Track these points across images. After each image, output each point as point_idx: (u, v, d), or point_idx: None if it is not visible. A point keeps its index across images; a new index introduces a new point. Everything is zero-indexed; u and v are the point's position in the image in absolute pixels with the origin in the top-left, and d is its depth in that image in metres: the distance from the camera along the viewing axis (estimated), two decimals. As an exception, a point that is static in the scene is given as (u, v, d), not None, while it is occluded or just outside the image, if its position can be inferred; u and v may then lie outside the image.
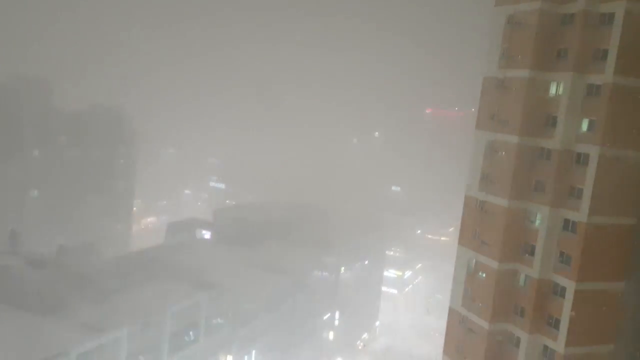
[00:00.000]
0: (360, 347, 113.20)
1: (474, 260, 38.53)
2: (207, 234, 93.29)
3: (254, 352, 72.60)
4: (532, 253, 36.22)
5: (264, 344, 74.67)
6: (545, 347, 35.62)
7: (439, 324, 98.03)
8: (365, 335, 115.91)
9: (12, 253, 62.56)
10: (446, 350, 40.88)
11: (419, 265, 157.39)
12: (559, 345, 34.59)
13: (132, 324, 53.98)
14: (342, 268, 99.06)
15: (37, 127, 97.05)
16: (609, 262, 34.47)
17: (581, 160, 34.40)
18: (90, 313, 55.21)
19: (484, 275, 37.87)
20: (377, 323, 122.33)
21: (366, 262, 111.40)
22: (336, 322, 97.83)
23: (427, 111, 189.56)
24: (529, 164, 36.34)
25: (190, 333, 62.79)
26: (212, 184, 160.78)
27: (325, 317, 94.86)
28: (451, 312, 40.60)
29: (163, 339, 57.92)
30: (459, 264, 40.16)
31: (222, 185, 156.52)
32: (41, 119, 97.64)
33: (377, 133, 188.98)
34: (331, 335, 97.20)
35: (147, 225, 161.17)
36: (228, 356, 69.06)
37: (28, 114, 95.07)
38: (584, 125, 34.43)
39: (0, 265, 57.39)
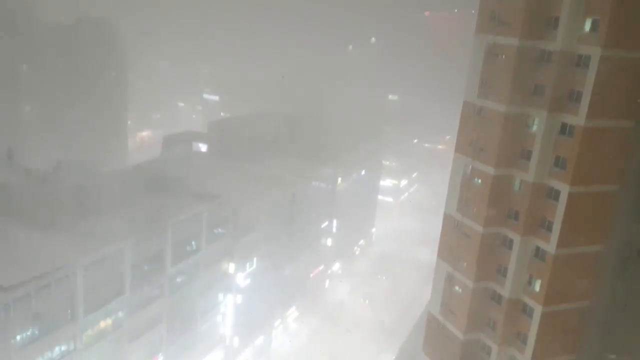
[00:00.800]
0: (357, 253, 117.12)
1: (470, 167, 38.81)
2: (203, 147, 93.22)
3: (255, 259, 75.00)
4: (528, 158, 36.36)
5: (265, 251, 76.98)
6: (537, 249, 36.71)
7: (433, 229, 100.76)
8: (362, 242, 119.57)
9: (10, 169, 62.62)
10: (440, 254, 42.18)
11: (415, 174, 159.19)
12: (550, 246, 35.61)
13: (134, 235, 55.15)
14: (339, 178, 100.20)
15: (24, 41, 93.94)
16: (604, 165, 34.75)
17: (582, 62, 33.69)
18: (92, 226, 56.26)
19: (479, 181, 38.29)
20: (374, 230, 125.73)
21: (363, 172, 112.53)
22: (334, 230, 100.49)
23: (425, 14, 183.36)
24: (528, 67, 35.64)
25: (192, 243, 64.44)
26: (205, 95, 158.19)
27: (324, 225, 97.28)
28: (446, 217, 41.47)
29: (166, 249, 59.50)
30: (454, 171, 40.50)
31: (215, 97, 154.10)
32: (27, 32, 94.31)
33: (373, 39, 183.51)
34: (329, 242, 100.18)
35: (143, 139, 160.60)
36: (230, 264, 71.37)
37: (12, 27, 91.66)
38: (587, 26, 33.40)
39: (-1, 181, 57.71)
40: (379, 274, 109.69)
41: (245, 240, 72.06)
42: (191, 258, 64.09)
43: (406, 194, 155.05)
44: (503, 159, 36.97)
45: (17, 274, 45.36)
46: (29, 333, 45.99)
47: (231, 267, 71.46)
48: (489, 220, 37.95)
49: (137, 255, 55.63)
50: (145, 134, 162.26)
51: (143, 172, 71.38)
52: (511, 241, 37.63)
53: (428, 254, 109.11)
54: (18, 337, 45.01)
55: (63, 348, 49.07)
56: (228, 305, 72.56)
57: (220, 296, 71.57)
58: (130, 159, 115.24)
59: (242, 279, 72.36)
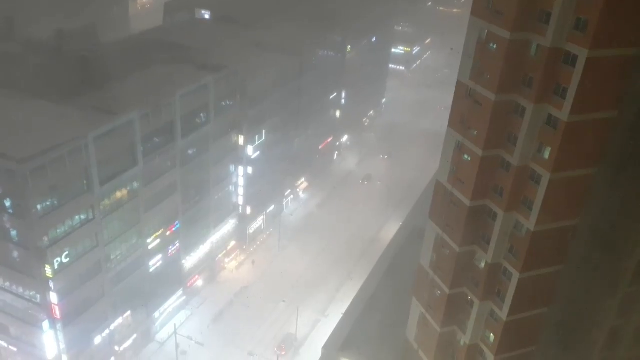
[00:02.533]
0: (366, 124, 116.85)
1: (486, 32, 36.94)
2: (206, 14, 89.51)
3: (264, 131, 75.16)
4: (546, 21, 34.48)
5: (273, 123, 76.88)
6: (550, 116, 36.07)
7: (445, 98, 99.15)
8: (371, 113, 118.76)
9: (9, 40, 60.94)
10: (451, 123, 41.68)
11: (428, 40, 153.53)
12: (563, 113, 34.92)
13: (143, 107, 54.83)
14: (349, 46, 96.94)
15: None
16: (628, 24, 32.99)
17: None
18: (100, 97, 55.85)
19: (494, 46, 36.66)
20: (384, 100, 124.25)
21: (373, 39, 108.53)
22: (343, 101, 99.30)
23: None
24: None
25: (201, 115, 64.23)
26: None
27: (332, 96, 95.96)
28: (459, 85, 40.36)
29: (175, 121, 59.45)
30: (470, 37, 38.67)
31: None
32: None
33: None
34: (338, 113, 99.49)
35: (144, 6, 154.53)
36: (240, 136, 71.69)
37: None
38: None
39: (2, 51, 56.36)
40: (388, 145, 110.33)
41: (253, 112, 71.68)
42: (201, 130, 64.27)
43: (418, 62, 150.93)
44: (520, 22, 35.08)
45: (31, 147, 45.96)
46: (48, 203, 47.66)
47: (241, 139, 71.89)
48: (502, 88, 36.93)
49: (147, 127, 55.73)
50: (145, 0, 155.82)
51: (146, 41, 69.30)
52: (523, 109, 36.90)
53: (438, 124, 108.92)
54: (38, 207, 46.72)
55: (82, 217, 51.13)
56: (239, 176, 74.13)
57: (232, 167, 72.91)
58: (131, 27, 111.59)
59: (251, 151, 73.13)
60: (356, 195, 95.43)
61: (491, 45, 37.04)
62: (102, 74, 58.83)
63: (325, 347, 53.61)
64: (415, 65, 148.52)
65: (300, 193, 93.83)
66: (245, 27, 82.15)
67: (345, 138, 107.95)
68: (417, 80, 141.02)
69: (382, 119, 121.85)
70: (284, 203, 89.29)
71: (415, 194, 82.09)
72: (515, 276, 40.49)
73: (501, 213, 39.91)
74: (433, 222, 45.08)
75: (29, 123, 50.58)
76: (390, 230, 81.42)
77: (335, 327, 55.89)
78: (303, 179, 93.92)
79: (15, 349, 55.11)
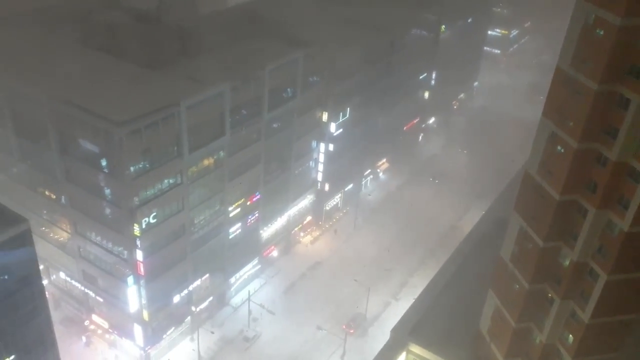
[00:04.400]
0: (455, 107, 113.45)
1: (593, 16, 34.42)
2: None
3: (348, 108, 74.89)
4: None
5: (359, 101, 76.35)
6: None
7: (541, 85, 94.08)
8: (461, 96, 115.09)
9: (116, 8, 64.09)
10: (546, 112, 39.51)
11: (528, 23, 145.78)
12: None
13: (233, 78, 56.14)
14: (443, 26, 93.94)
15: None
16: None
17: None
18: (194, 67, 57.77)
19: (601, 32, 34.10)
20: (476, 84, 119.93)
21: (470, 20, 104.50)
22: (432, 82, 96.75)
23: None
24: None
25: (288, 90, 64.92)
26: None
27: (422, 76, 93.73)
28: (558, 71, 38.05)
29: (263, 94, 60.48)
30: (574, 21, 36.20)
31: None
32: None
33: None
34: (427, 94, 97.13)
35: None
36: (324, 112, 71.88)
37: None
38: None
39: (106, 19, 59.46)
40: (477, 130, 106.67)
41: (339, 88, 71.49)
42: (286, 105, 65.06)
43: (516, 46, 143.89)
44: (633, 7, 32.32)
45: (129, 111, 48.47)
46: (140, 166, 50.27)
47: (325, 115, 72.08)
48: (606, 77, 34.41)
49: (236, 99, 57.12)
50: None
51: (240, 14, 70.61)
52: (627, 101, 34.23)
53: (531, 112, 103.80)
54: (132, 169, 49.40)
55: (171, 181, 53.55)
56: (320, 152, 74.56)
57: (314, 143, 73.43)
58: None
59: (334, 128, 73.19)
60: (439, 180, 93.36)
61: (598, 31, 34.50)
62: (197, 45, 60.74)
63: (394, 330, 53.44)
64: (512, 49, 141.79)
65: (380, 173, 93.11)
66: (336, 3, 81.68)
67: (432, 120, 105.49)
68: (513, 65, 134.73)
69: (473, 103, 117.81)
70: (363, 182, 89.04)
71: (501, 184, 79.11)
72: (603, 278, 38.23)
73: (593, 210, 37.62)
74: (518, 213, 43.28)
75: (128, 88, 53.28)
76: (472, 219, 79.17)
77: (406, 311, 55.49)
78: (384, 159, 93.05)
79: (101, 300, 59.25)
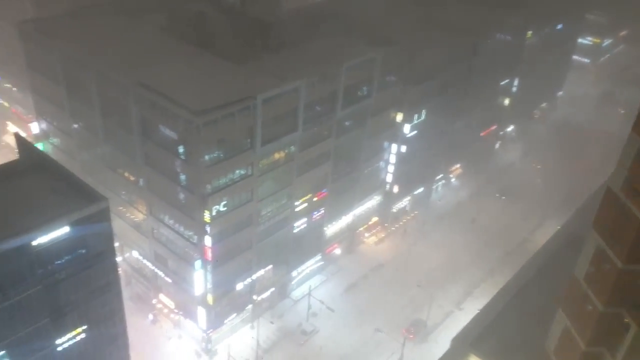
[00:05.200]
0: (536, 116, 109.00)
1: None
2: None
3: (424, 111, 73.54)
4: None
5: (435, 103, 74.83)
6: None
7: (632, 99, 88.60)
8: (544, 105, 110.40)
9: (202, 0, 66.04)
10: (636, 127, 37.04)
11: (624, 32, 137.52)
12: None
13: (310, 75, 56.50)
14: (530, 32, 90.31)
15: None
16: None
17: None
18: (274, 62, 58.60)
19: None
20: (560, 93, 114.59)
21: (559, 26, 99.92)
22: (514, 89, 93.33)
23: None
24: None
25: (364, 88, 64.59)
26: None
27: (504, 82, 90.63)
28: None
29: (338, 92, 60.49)
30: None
31: None
32: None
33: None
34: (507, 101, 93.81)
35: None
36: (399, 113, 71.02)
37: None
38: None
39: (195, 10, 61.40)
40: (557, 141, 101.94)
41: (416, 90, 70.36)
42: (361, 103, 64.77)
43: (608, 55, 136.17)
44: None
45: (207, 101, 49.92)
46: (215, 155, 51.67)
47: (399, 116, 71.20)
48: None
49: (311, 95, 57.48)
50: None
51: (321, 11, 71.02)
52: None
53: (617, 126, 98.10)
54: (206, 157, 50.88)
55: (242, 172, 54.71)
56: (392, 153, 73.75)
57: (385, 144, 72.74)
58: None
59: (408, 129, 72.13)
60: (514, 190, 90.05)
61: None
62: (278, 40, 61.54)
63: (455, 340, 52.02)
64: (603, 58, 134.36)
65: (453, 179, 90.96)
66: (419, 3, 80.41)
67: (510, 128, 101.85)
68: (602, 76, 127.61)
69: (555, 113, 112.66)
70: (434, 187, 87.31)
71: (579, 200, 75.23)
72: (687, 309, 35.42)
73: (681, 235, 34.91)
74: (596, 231, 40.83)
75: (208, 79, 54.86)
76: (545, 233, 75.78)
77: (469, 322, 53.82)
78: (458, 165, 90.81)
79: (169, 280, 61.53)
